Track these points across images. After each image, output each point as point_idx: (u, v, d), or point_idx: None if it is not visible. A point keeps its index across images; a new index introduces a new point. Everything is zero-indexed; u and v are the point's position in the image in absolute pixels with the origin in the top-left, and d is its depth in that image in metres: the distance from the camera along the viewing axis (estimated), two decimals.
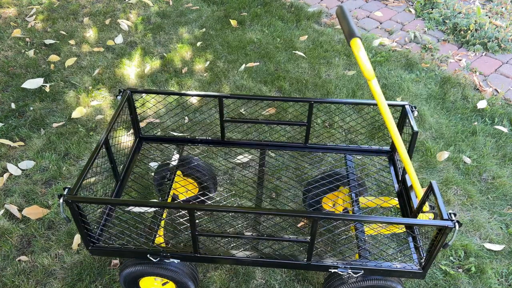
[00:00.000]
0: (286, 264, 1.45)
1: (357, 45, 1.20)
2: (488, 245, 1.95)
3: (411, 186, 1.53)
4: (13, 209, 2.06)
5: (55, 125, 2.54)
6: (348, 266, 1.39)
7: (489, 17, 3.53)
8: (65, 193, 1.29)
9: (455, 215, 1.24)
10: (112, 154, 1.55)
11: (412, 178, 1.43)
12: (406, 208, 1.55)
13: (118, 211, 1.98)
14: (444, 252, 1.92)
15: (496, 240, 1.98)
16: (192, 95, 1.75)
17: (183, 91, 2.80)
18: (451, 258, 1.90)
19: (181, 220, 1.86)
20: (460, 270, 1.86)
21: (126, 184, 1.68)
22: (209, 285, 1.79)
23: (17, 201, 2.10)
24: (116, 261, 1.86)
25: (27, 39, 3.28)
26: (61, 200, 1.28)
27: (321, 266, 1.42)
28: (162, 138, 1.82)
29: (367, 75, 1.23)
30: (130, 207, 1.97)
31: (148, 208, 1.97)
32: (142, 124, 2.50)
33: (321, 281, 1.81)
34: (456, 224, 1.21)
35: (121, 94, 1.64)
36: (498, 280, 1.83)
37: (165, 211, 1.69)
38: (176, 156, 1.82)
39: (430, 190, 1.33)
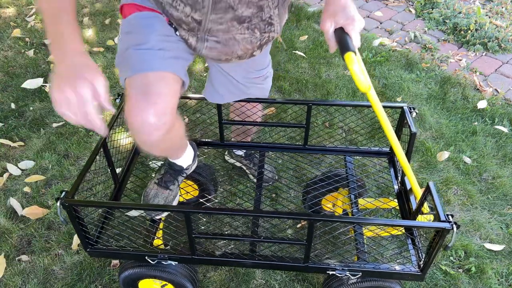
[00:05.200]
0: (284, 266, 1.45)
1: (351, 59, 1.19)
2: (488, 245, 1.95)
3: (411, 188, 1.53)
4: (17, 205, 2.07)
5: (55, 125, 2.54)
6: (346, 268, 1.39)
7: (489, 17, 3.52)
8: (62, 196, 1.29)
9: (452, 216, 1.23)
10: (110, 157, 1.55)
11: (411, 180, 1.43)
12: (406, 210, 1.55)
13: (116, 212, 1.98)
14: (444, 252, 1.92)
15: (496, 240, 1.98)
16: (192, 98, 1.75)
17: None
18: (451, 258, 1.90)
19: (178, 223, 1.86)
20: (460, 270, 1.86)
21: (126, 186, 1.68)
22: (209, 286, 1.79)
23: (17, 201, 2.11)
24: (116, 262, 1.87)
25: (27, 39, 3.28)
26: (58, 203, 1.28)
27: (319, 268, 1.42)
28: None
29: (362, 89, 1.21)
30: (128, 212, 1.98)
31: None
32: None
33: (321, 281, 1.81)
34: (454, 226, 1.21)
35: (119, 97, 1.64)
36: (498, 280, 1.83)
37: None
38: None
39: (427, 191, 1.33)
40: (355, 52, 1.20)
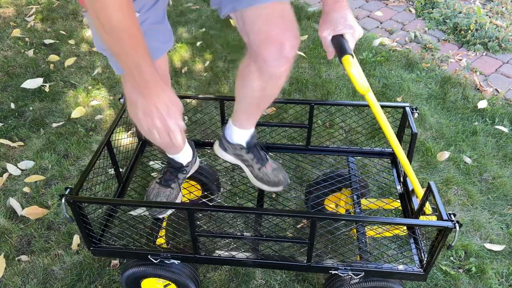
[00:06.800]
0: (287, 265, 1.45)
1: (348, 62, 1.20)
2: (489, 245, 1.95)
3: (413, 188, 1.53)
4: (17, 205, 2.07)
5: (54, 125, 2.54)
6: (349, 268, 1.38)
7: (490, 17, 3.53)
8: (66, 192, 1.29)
9: (454, 215, 1.23)
10: (114, 156, 1.55)
11: (413, 181, 1.43)
12: (408, 210, 1.55)
13: (120, 211, 1.98)
14: (445, 253, 1.92)
15: (496, 240, 1.98)
16: (193, 98, 1.75)
17: (183, 93, 2.81)
18: (451, 258, 1.90)
19: (182, 221, 1.86)
20: (461, 270, 1.86)
21: (129, 186, 1.68)
22: (209, 286, 1.79)
23: (17, 201, 2.10)
24: (115, 262, 1.86)
25: (27, 39, 3.28)
26: (63, 200, 1.28)
27: (322, 268, 1.42)
28: None
29: (361, 91, 1.22)
30: (130, 212, 1.98)
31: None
32: None
33: (322, 281, 1.81)
34: (456, 224, 1.21)
35: (123, 97, 1.64)
36: (499, 280, 1.83)
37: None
38: None
39: (429, 191, 1.33)
40: (352, 55, 1.21)
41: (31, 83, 2.82)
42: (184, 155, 1.64)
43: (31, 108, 2.65)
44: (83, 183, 1.36)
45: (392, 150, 1.75)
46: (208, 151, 2.35)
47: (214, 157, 2.33)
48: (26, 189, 2.16)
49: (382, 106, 1.36)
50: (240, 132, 1.55)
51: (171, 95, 1.16)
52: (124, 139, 2.39)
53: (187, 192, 1.85)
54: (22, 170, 2.27)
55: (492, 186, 2.22)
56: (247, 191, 2.16)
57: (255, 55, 1.28)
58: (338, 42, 1.25)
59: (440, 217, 1.24)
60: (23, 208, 2.07)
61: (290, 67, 1.34)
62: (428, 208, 1.39)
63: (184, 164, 1.63)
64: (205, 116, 2.59)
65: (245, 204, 2.10)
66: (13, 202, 2.08)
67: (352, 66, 1.20)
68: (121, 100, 1.64)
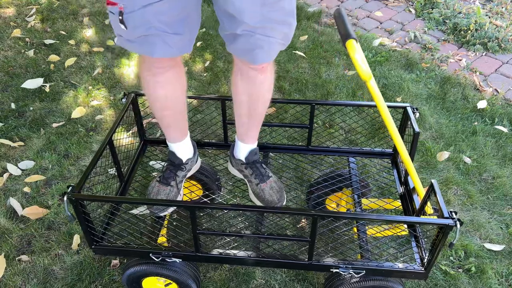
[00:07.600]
0: (288, 264, 1.45)
1: (352, 46, 1.19)
2: (488, 245, 1.95)
3: (414, 188, 1.53)
4: (17, 205, 2.07)
5: (55, 125, 2.54)
6: (350, 266, 1.39)
7: (489, 17, 3.53)
8: (69, 190, 1.29)
9: (456, 213, 1.24)
10: (116, 156, 1.56)
11: (414, 179, 1.43)
12: (409, 210, 1.56)
13: (122, 209, 1.98)
14: (444, 252, 1.92)
15: (496, 240, 1.98)
16: (195, 98, 1.75)
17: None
18: (451, 258, 1.90)
19: (183, 219, 1.86)
20: (460, 270, 1.86)
21: (131, 185, 1.68)
22: (209, 285, 1.79)
23: (17, 201, 2.10)
24: (116, 262, 1.86)
25: (27, 39, 3.28)
26: (65, 198, 1.28)
27: (323, 266, 1.42)
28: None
29: (363, 77, 1.21)
30: (133, 210, 1.98)
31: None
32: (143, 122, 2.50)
33: (322, 281, 1.81)
34: (457, 222, 1.21)
35: (125, 97, 1.64)
36: (498, 280, 1.83)
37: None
38: None
39: (431, 189, 1.33)
40: (356, 40, 1.20)
41: (32, 83, 2.82)
42: (185, 149, 1.65)
43: (31, 108, 2.65)
44: (85, 181, 1.36)
45: (392, 151, 1.75)
46: (209, 151, 2.36)
47: (215, 157, 2.33)
48: (26, 189, 2.16)
49: None
50: (241, 147, 1.63)
51: None
52: (125, 139, 2.40)
53: (188, 191, 1.85)
54: (22, 170, 2.27)
55: (491, 186, 2.22)
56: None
57: (235, 60, 1.41)
58: (342, 25, 1.23)
59: (441, 215, 1.25)
60: (23, 208, 2.07)
61: (268, 75, 1.42)
62: (429, 207, 1.39)
63: (184, 160, 1.63)
64: (206, 117, 2.59)
65: (245, 204, 2.10)
66: (14, 202, 2.08)
67: (356, 51, 1.18)
68: (123, 100, 1.64)
